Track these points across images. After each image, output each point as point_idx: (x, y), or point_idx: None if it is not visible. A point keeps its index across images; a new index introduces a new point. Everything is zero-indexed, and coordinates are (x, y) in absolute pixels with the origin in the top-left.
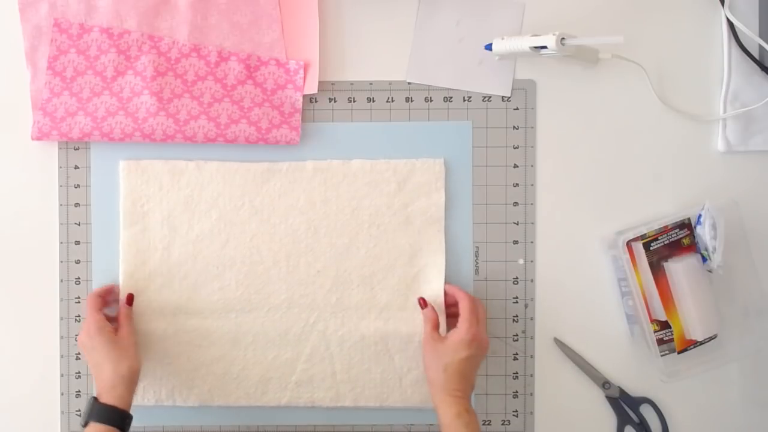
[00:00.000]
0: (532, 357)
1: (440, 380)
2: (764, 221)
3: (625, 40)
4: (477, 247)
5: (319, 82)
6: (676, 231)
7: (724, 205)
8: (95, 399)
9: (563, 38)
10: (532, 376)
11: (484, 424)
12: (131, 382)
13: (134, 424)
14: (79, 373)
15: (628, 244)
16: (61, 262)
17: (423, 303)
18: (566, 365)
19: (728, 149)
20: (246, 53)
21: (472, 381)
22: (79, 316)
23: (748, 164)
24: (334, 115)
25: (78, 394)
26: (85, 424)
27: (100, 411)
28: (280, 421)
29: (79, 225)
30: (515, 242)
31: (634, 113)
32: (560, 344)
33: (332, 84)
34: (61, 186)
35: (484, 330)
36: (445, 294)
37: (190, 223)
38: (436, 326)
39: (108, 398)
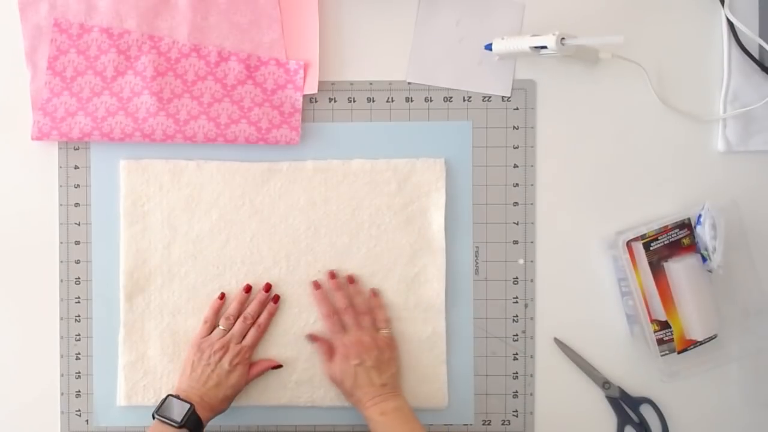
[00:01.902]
0: (532, 357)
1: (354, 401)
2: (764, 221)
3: (625, 40)
4: (477, 247)
5: (319, 82)
6: (676, 231)
7: (724, 205)
8: (193, 408)
9: (563, 38)
10: (532, 376)
11: (483, 425)
12: (217, 414)
13: (134, 424)
14: (79, 373)
15: (628, 244)
16: (61, 262)
17: (314, 338)
18: (566, 365)
19: (728, 149)
20: (246, 53)
21: (381, 380)
22: (79, 316)
23: (748, 164)
24: (334, 115)
25: (78, 394)
26: (179, 426)
27: (196, 424)
28: (280, 421)
29: (79, 225)
30: (515, 242)
31: (634, 113)
32: (560, 344)
33: (332, 84)
34: (61, 186)
35: (359, 333)
36: None
37: (190, 222)
38: (330, 357)
39: (204, 414)
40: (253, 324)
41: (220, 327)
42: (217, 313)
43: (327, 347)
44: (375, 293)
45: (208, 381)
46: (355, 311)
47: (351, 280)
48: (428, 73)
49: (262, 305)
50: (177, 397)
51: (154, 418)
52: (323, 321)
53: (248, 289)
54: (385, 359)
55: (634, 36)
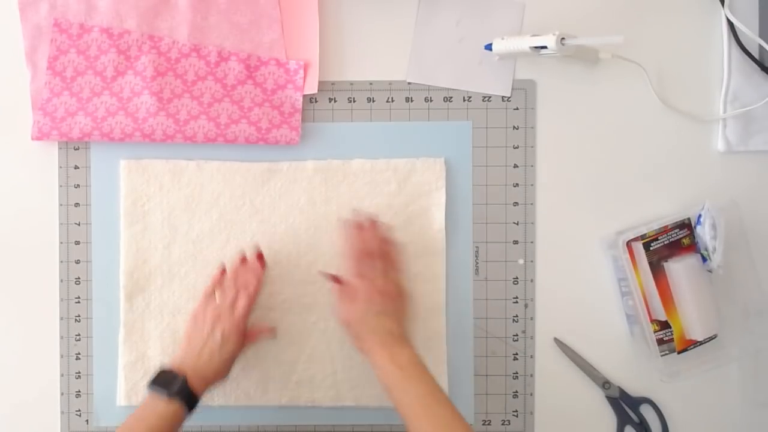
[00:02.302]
0: (532, 357)
1: (362, 346)
2: (764, 221)
3: (625, 40)
4: (477, 247)
5: (319, 82)
6: (676, 231)
7: (724, 205)
8: (186, 380)
9: (563, 38)
10: (532, 376)
11: (483, 425)
12: (216, 382)
13: None
14: (79, 373)
15: (628, 244)
16: (61, 262)
17: (336, 280)
18: (566, 365)
19: (728, 149)
20: (246, 53)
21: (391, 325)
22: (79, 316)
23: (748, 164)
24: (334, 115)
25: (78, 394)
26: (169, 397)
27: (190, 396)
28: (280, 421)
29: (79, 225)
30: (515, 242)
31: (634, 113)
32: (560, 344)
33: (332, 84)
34: (61, 186)
35: (374, 278)
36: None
37: (190, 222)
38: (348, 300)
39: (198, 386)
40: (241, 291)
41: (216, 298)
42: (216, 284)
43: (340, 290)
44: (388, 240)
45: (201, 353)
46: (376, 256)
47: (372, 224)
48: (428, 73)
49: (253, 271)
50: (170, 369)
51: (148, 388)
52: (350, 259)
53: (244, 259)
54: (393, 308)
55: (634, 36)
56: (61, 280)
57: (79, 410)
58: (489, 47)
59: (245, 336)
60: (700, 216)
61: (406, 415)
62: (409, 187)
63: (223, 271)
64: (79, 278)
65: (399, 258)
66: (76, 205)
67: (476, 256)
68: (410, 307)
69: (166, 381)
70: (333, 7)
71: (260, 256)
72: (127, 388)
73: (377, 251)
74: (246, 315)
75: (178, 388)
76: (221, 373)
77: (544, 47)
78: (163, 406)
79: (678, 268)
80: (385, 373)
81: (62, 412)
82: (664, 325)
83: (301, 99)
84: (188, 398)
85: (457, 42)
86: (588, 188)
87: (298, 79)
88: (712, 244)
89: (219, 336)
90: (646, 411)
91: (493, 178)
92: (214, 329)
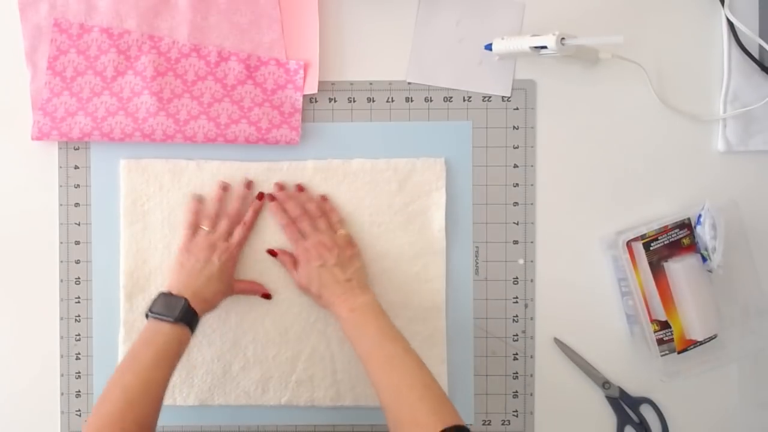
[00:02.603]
0: (532, 357)
1: (323, 303)
2: (764, 221)
3: (625, 40)
4: (477, 247)
5: (319, 82)
6: (676, 231)
7: (724, 205)
8: (188, 302)
9: (563, 38)
10: (532, 376)
11: (483, 424)
12: (211, 309)
13: None
14: (79, 373)
15: (628, 244)
16: (61, 262)
17: (272, 253)
18: (566, 365)
19: (728, 149)
20: (246, 53)
21: (346, 275)
22: (79, 316)
23: (748, 164)
24: (334, 115)
25: (78, 394)
26: (174, 321)
27: (192, 317)
28: (280, 421)
29: (79, 225)
30: (515, 242)
31: (634, 113)
32: (560, 344)
33: (332, 84)
34: (61, 186)
35: (316, 236)
36: None
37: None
38: (295, 267)
39: (199, 307)
40: (238, 222)
41: (204, 228)
42: (198, 214)
43: (289, 257)
44: (324, 198)
45: (199, 276)
46: (310, 216)
47: (300, 188)
48: (428, 73)
49: (245, 202)
50: (169, 293)
51: (147, 317)
52: (283, 231)
53: (226, 187)
54: (346, 257)
55: (634, 36)
56: (61, 280)
57: (79, 410)
58: (489, 47)
59: (238, 283)
60: (700, 216)
61: (362, 357)
62: (410, 187)
63: (200, 200)
64: (79, 278)
65: (338, 212)
66: (76, 205)
67: (476, 256)
68: (361, 255)
69: (168, 305)
70: (333, 7)
71: (249, 185)
72: None
73: (316, 211)
74: (242, 244)
75: (181, 312)
76: (218, 296)
77: (544, 47)
78: (168, 329)
79: (678, 268)
80: (343, 321)
81: (62, 412)
82: (664, 325)
83: (301, 99)
84: (191, 320)
85: (457, 42)
86: (588, 188)
87: (298, 79)
88: (712, 244)
89: (216, 262)
90: (646, 411)
91: (493, 178)
92: (211, 257)
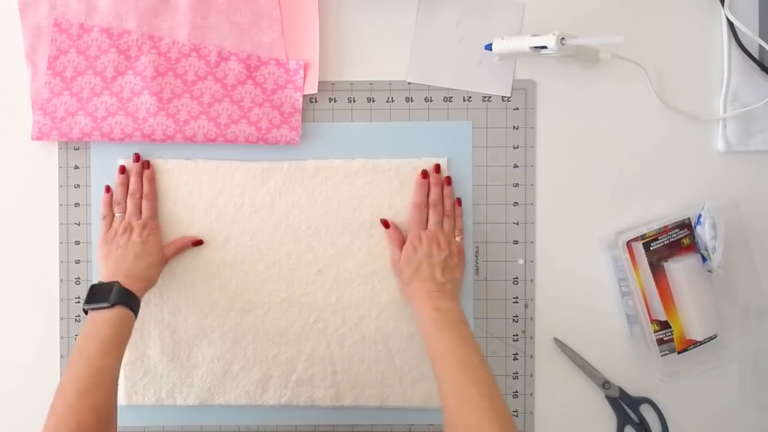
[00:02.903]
0: (532, 357)
1: (409, 292)
2: (764, 221)
3: (625, 40)
4: (477, 247)
5: (319, 82)
6: (676, 231)
7: (724, 205)
8: (119, 284)
9: (563, 38)
10: (532, 376)
11: None
12: (150, 285)
13: (134, 423)
14: None
15: (628, 244)
16: (61, 262)
17: (385, 224)
18: (566, 365)
19: (728, 149)
20: (246, 53)
21: (442, 278)
22: (79, 316)
23: (748, 164)
24: (334, 115)
25: None
26: (110, 306)
27: (128, 296)
28: (280, 421)
29: (79, 225)
30: (515, 242)
31: (634, 113)
32: (560, 344)
33: (332, 84)
34: (61, 186)
35: (437, 231)
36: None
37: (190, 221)
38: (400, 246)
39: (135, 286)
40: (140, 197)
41: (116, 214)
42: (110, 204)
43: (399, 235)
44: (459, 202)
45: (125, 258)
46: (441, 211)
47: (449, 181)
48: (428, 73)
49: (140, 176)
50: (99, 283)
51: (85, 313)
52: (413, 209)
53: (122, 169)
54: (453, 263)
55: (634, 36)
56: (61, 280)
57: None
58: (489, 47)
59: (166, 247)
60: (700, 216)
61: (434, 355)
62: (410, 187)
63: (108, 189)
64: (79, 278)
65: (461, 221)
66: (76, 205)
67: (476, 256)
68: (465, 270)
69: (101, 293)
70: (333, 7)
71: (137, 158)
72: (127, 387)
73: (449, 209)
74: (154, 216)
75: (116, 294)
76: (152, 270)
77: (544, 47)
78: (107, 315)
79: (678, 268)
80: (424, 317)
81: None
82: (664, 325)
83: (301, 99)
84: (129, 301)
85: (457, 42)
86: (588, 188)
87: (298, 79)
88: (712, 244)
89: (138, 238)
90: (646, 411)
91: (493, 178)
92: (131, 236)
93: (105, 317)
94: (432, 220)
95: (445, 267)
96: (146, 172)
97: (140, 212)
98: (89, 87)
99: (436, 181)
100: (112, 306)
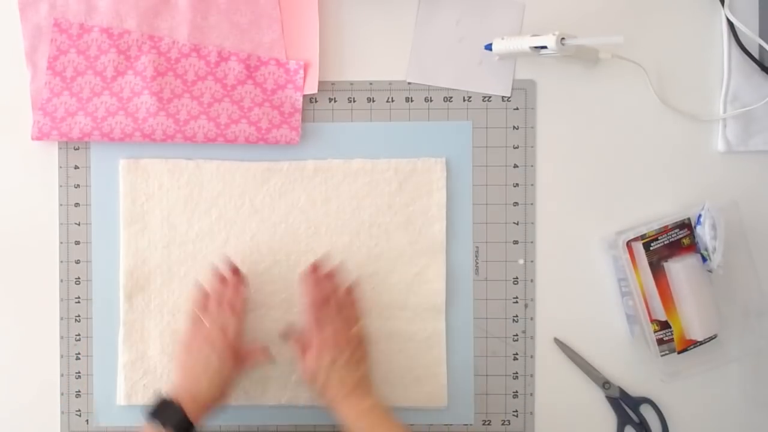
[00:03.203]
0: (532, 357)
1: (327, 401)
2: (764, 221)
3: (625, 40)
4: (477, 247)
5: (319, 82)
6: (676, 231)
7: (724, 205)
8: (182, 410)
9: (563, 38)
10: (532, 376)
11: (483, 424)
12: (215, 408)
13: (134, 423)
14: (79, 373)
15: (628, 244)
16: (61, 262)
17: (284, 336)
18: (566, 365)
19: (728, 149)
20: (246, 53)
21: (354, 379)
22: (79, 316)
23: (748, 164)
24: (334, 115)
25: (78, 394)
26: (165, 428)
27: (183, 425)
28: (280, 421)
29: (79, 225)
30: (515, 242)
31: (634, 113)
32: (560, 344)
33: (332, 84)
34: (61, 186)
35: (334, 330)
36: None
37: (190, 222)
38: (305, 353)
39: (196, 414)
40: (232, 312)
41: (203, 320)
42: (197, 305)
43: (302, 344)
44: (351, 289)
45: (199, 379)
46: (335, 307)
47: (332, 274)
48: (428, 73)
49: (237, 290)
50: (167, 398)
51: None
52: (308, 310)
53: (223, 278)
54: (357, 357)
55: (634, 36)
56: (61, 280)
57: (79, 410)
58: (489, 47)
59: (240, 358)
60: (700, 216)
61: None
62: (410, 187)
63: (205, 294)
64: (79, 278)
65: (359, 305)
66: (76, 205)
67: (476, 256)
68: (370, 354)
69: (162, 411)
70: (333, 7)
71: (235, 271)
72: (127, 387)
73: (336, 299)
74: (239, 335)
75: (174, 420)
76: (221, 397)
77: (544, 47)
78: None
79: (678, 268)
80: (351, 425)
81: (62, 412)
82: (664, 325)
83: (301, 99)
84: (185, 428)
85: (457, 42)
86: (588, 188)
87: (298, 79)
88: (712, 244)
89: (215, 360)
90: (646, 411)
91: (493, 178)
92: (210, 354)
93: None
94: (327, 321)
95: (351, 364)
96: (241, 289)
97: (227, 328)
98: (89, 87)
99: (320, 279)
100: (165, 428)
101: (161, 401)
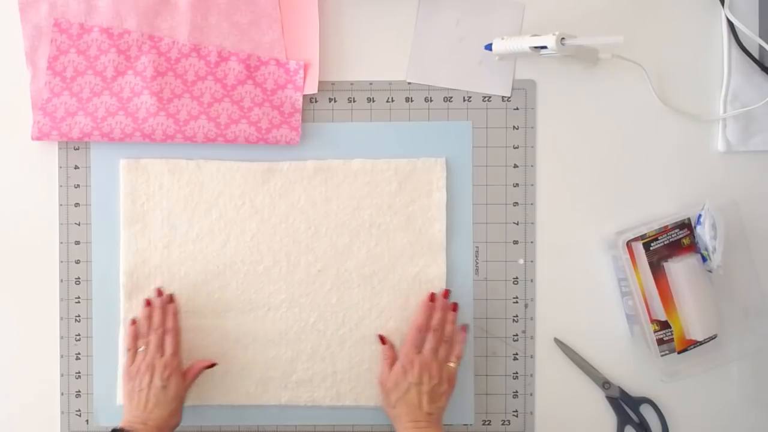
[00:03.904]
0: (532, 357)
1: (394, 415)
2: (764, 221)
3: (625, 40)
4: (477, 247)
5: (319, 82)
6: (676, 231)
7: (724, 205)
8: None
9: (563, 38)
10: (532, 376)
11: (483, 425)
12: (173, 428)
13: None
14: (79, 373)
15: (628, 244)
16: (61, 262)
17: (382, 340)
18: (566, 365)
19: (728, 149)
20: (246, 53)
21: (429, 408)
22: (79, 316)
23: (748, 164)
24: (334, 115)
25: (78, 394)
26: None
27: None
28: (280, 421)
29: (79, 225)
30: (515, 242)
31: (634, 113)
32: (560, 344)
33: (332, 84)
34: (61, 186)
35: (431, 357)
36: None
37: (190, 222)
38: (391, 364)
39: None
40: (164, 332)
41: (139, 348)
42: (136, 337)
43: (392, 354)
44: (464, 328)
45: (147, 404)
46: (440, 336)
47: (454, 308)
48: (428, 73)
49: (164, 310)
50: (120, 428)
51: None
52: (412, 330)
53: (149, 303)
54: (440, 391)
55: (634, 36)
56: (61, 280)
57: (79, 410)
58: (489, 47)
59: (185, 374)
60: (700, 216)
61: None
62: (410, 187)
63: (134, 322)
64: (79, 278)
65: (461, 348)
66: (76, 205)
67: (476, 256)
68: (451, 395)
69: None
70: (333, 7)
71: (160, 292)
72: None
73: (448, 335)
74: (176, 352)
75: None
76: (173, 418)
77: (544, 47)
78: None
79: (678, 268)
80: None
81: (62, 412)
82: (664, 325)
83: (301, 99)
84: None
85: (457, 42)
86: (588, 188)
87: (298, 79)
88: (712, 244)
89: (159, 382)
90: (646, 411)
91: (493, 178)
92: (153, 377)
93: None
94: (428, 345)
95: (432, 395)
96: (170, 306)
97: (162, 348)
98: (89, 87)
99: (441, 306)
100: None
101: (115, 431)
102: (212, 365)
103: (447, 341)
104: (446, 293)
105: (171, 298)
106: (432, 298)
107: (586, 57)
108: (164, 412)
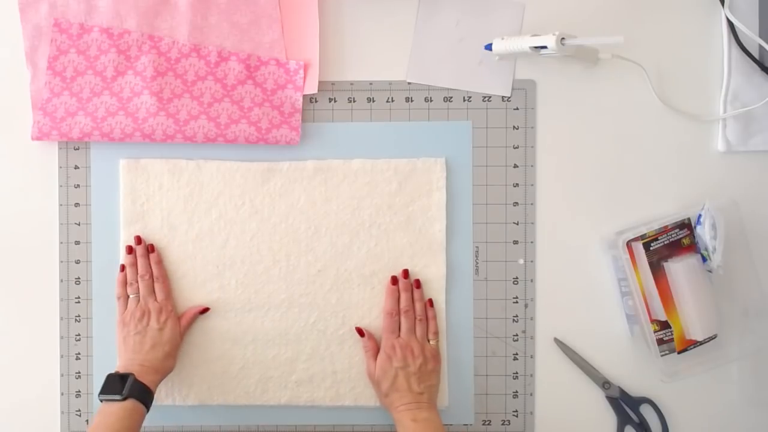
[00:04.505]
0: (532, 357)
1: (388, 403)
2: (764, 221)
3: (625, 40)
4: (477, 247)
5: (319, 82)
6: (676, 231)
7: (724, 205)
8: (134, 378)
9: (563, 38)
10: (532, 376)
11: (483, 425)
12: (165, 376)
13: None
14: (79, 373)
15: (628, 244)
16: (61, 262)
17: (360, 333)
18: (566, 365)
19: (728, 149)
20: (246, 53)
21: (419, 389)
22: (79, 316)
23: (748, 164)
24: (334, 115)
25: (78, 394)
26: (122, 399)
27: (141, 390)
28: (280, 421)
29: (79, 225)
30: (515, 242)
31: (634, 113)
32: (560, 344)
33: (332, 84)
34: (61, 186)
35: (410, 338)
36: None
37: (190, 222)
38: (375, 355)
39: (149, 379)
40: (152, 278)
41: (130, 296)
42: (125, 283)
43: (373, 344)
44: (431, 303)
45: (143, 346)
46: (414, 316)
47: (417, 284)
48: (428, 73)
49: (147, 258)
50: (116, 373)
51: (101, 401)
52: (384, 317)
53: (130, 249)
54: (428, 369)
55: (634, 36)
56: (61, 280)
57: (79, 410)
58: (489, 47)
59: (180, 319)
60: (700, 216)
61: None
62: (410, 187)
63: (123, 268)
64: (79, 278)
65: (435, 323)
66: (76, 205)
67: (476, 256)
68: (440, 371)
69: (115, 385)
70: (333, 7)
71: (138, 240)
72: None
73: (421, 313)
74: (169, 296)
75: (129, 388)
76: (168, 360)
77: (544, 47)
78: (118, 408)
79: (678, 268)
80: (403, 427)
81: (62, 412)
82: (664, 325)
83: (301, 99)
84: (142, 394)
85: (457, 42)
86: (588, 188)
87: (298, 79)
88: (712, 244)
89: (155, 324)
90: (646, 411)
91: (493, 178)
92: (149, 320)
93: (116, 410)
94: (404, 327)
95: (420, 375)
96: (152, 256)
97: (154, 294)
98: (89, 87)
99: (405, 287)
100: (125, 399)
101: (113, 377)
102: (206, 310)
103: (421, 320)
104: (405, 273)
105: (152, 248)
106: (394, 281)
107: (586, 57)
108: (159, 354)
